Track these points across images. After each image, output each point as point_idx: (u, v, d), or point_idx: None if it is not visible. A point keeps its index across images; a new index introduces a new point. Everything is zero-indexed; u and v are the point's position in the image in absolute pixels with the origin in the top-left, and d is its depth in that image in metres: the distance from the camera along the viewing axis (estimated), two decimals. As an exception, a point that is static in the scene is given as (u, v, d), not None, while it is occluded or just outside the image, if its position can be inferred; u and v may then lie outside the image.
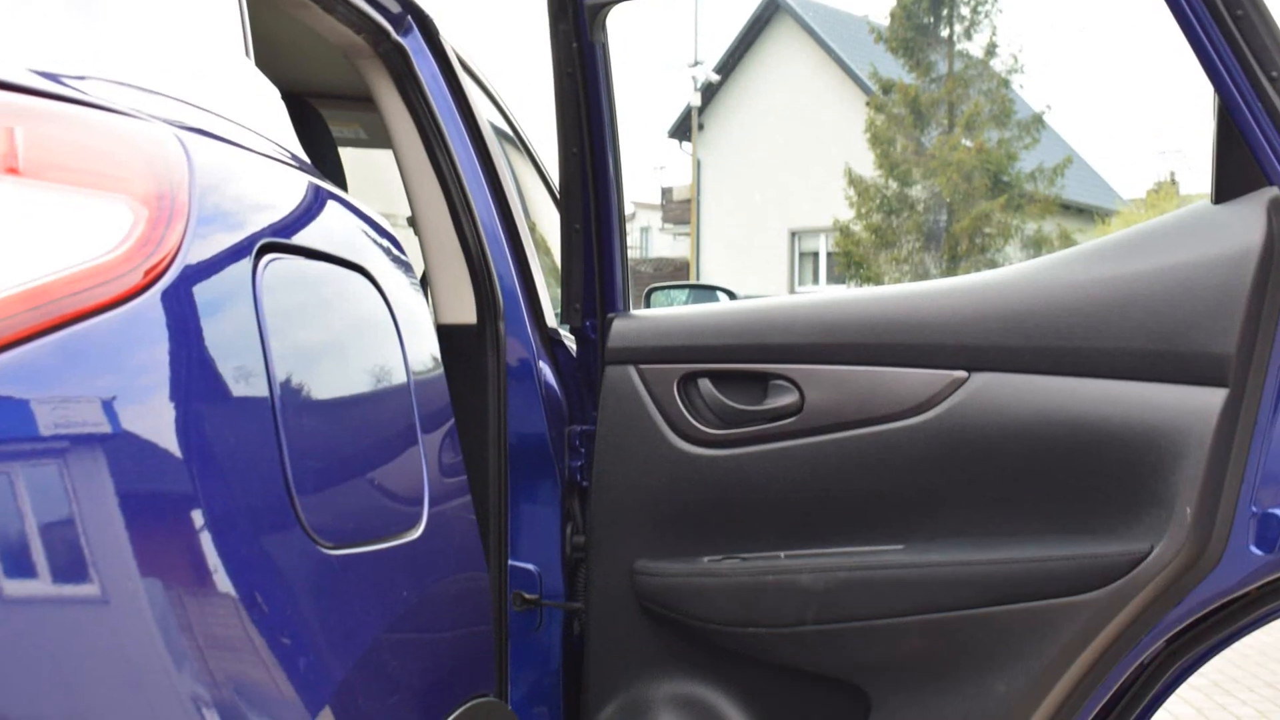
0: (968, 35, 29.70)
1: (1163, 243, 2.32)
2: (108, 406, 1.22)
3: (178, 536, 1.26)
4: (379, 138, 3.81)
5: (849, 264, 29.72)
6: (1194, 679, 5.91)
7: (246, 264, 1.43)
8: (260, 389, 1.41)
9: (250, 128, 1.69)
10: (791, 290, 33.87)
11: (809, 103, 34.25)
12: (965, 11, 29.80)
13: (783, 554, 2.52)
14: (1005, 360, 2.38)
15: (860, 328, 2.52)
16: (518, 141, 3.69)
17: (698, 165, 35.96)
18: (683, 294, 5.55)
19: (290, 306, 1.53)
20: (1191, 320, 2.22)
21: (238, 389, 1.38)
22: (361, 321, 1.76)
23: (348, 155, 3.60)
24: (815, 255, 35.16)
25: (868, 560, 2.45)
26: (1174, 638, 2.33)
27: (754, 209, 34.93)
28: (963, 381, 2.41)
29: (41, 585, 1.16)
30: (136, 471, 1.23)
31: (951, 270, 28.04)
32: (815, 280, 34.97)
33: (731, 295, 4.68)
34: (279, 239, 1.53)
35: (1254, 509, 2.19)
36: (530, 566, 2.70)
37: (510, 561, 2.64)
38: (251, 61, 1.88)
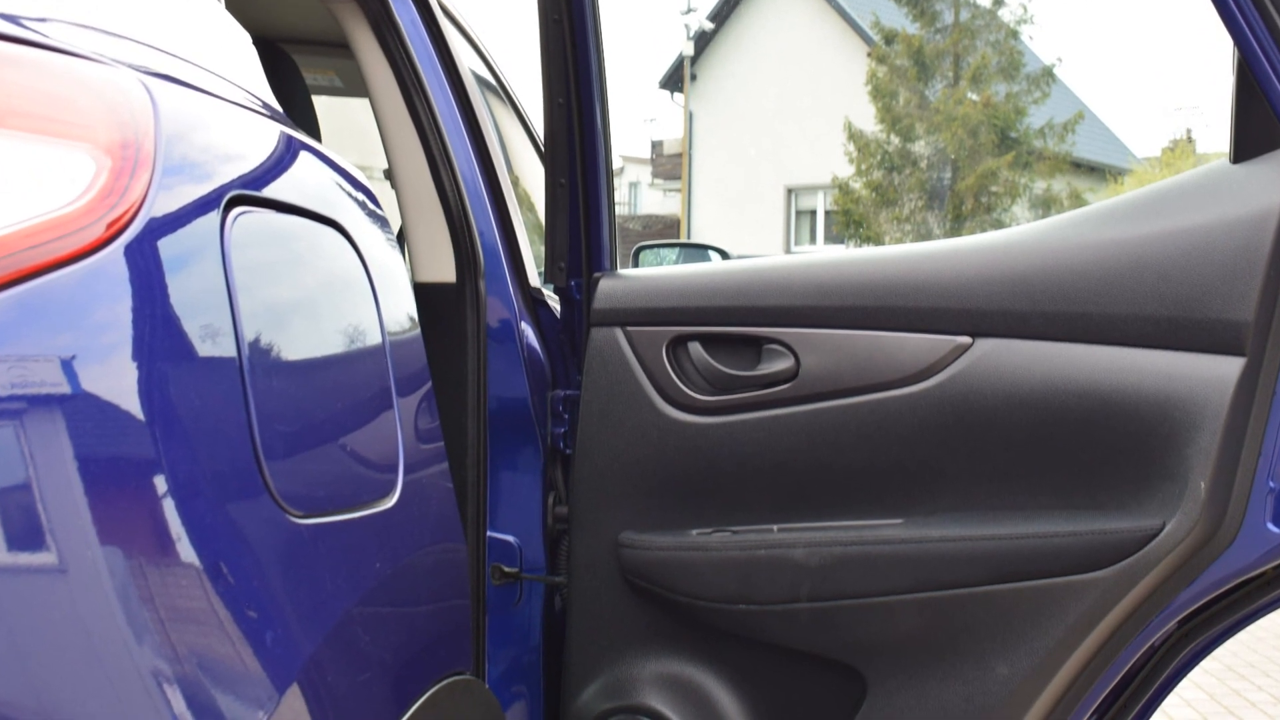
0: (975, -17, 29.63)
1: (1178, 204, 2.32)
2: (67, 366, 1.21)
3: (140, 503, 1.26)
4: (355, 86, 3.80)
5: (848, 223, 29.66)
6: (1206, 663, 5.95)
7: (214, 217, 1.43)
8: (228, 349, 1.41)
9: (220, 74, 1.68)
10: (787, 250, 33.85)
11: (807, 53, 34.16)
12: (973, -42, 29.75)
13: (775, 527, 2.52)
14: (1011, 325, 2.38)
15: (859, 290, 2.51)
16: (501, 91, 3.68)
17: (690, 118, 35.87)
18: (672, 253, 5.55)
19: (260, 262, 1.52)
20: (1208, 285, 2.22)
21: (204, 349, 1.37)
22: (335, 279, 1.75)
23: (322, 104, 3.59)
24: (812, 213, 35.14)
25: (865, 535, 2.45)
26: (1186, 619, 2.34)
27: (748, 164, 34.87)
28: (966, 347, 2.41)
29: (-3, 554, 1.16)
30: (96, 435, 1.23)
31: (956, 230, 28.03)
32: (812, 240, 34.95)
33: (724, 255, 4.68)
34: (249, 191, 1.52)
35: (1271, 484, 2.19)
36: (510, 538, 2.70)
37: (489, 533, 2.64)
38: (222, 4, 1.87)
